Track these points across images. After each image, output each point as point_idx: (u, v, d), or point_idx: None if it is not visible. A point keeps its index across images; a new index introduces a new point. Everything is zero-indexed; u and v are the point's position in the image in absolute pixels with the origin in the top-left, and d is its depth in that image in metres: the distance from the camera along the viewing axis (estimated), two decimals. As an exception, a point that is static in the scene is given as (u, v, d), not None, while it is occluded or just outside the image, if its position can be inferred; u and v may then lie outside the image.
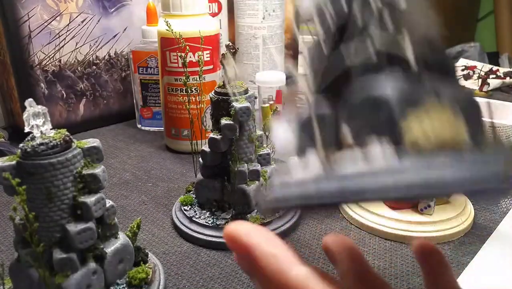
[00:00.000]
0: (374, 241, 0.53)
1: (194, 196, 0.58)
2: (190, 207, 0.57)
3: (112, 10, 0.89)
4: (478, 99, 0.20)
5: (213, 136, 0.52)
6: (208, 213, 0.55)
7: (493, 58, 1.53)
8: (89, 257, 0.40)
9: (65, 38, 0.84)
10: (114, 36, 0.91)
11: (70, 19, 0.84)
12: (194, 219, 0.54)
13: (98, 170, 0.39)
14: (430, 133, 0.17)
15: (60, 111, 0.86)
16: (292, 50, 1.12)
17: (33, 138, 0.37)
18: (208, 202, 0.56)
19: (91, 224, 0.39)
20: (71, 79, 0.87)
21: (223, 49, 0.53)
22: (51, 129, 0.38)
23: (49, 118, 0.38)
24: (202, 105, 0.73)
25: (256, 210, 0.54)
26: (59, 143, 0.37)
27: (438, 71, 0.20)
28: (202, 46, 0.71)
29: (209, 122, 0.56)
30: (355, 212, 0.56)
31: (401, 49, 0.20)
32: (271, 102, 0.77)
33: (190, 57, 0.71)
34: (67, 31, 0.84)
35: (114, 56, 0.92)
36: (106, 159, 0.39)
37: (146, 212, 0.60)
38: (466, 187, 0.16)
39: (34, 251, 0.36)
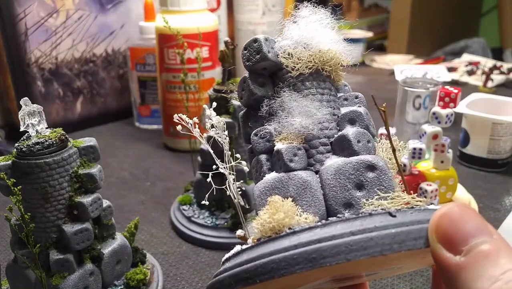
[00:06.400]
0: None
1: (193, 195, 0.57)
2: (189, 206, 0.56)
3: (109, 6, 0.88)
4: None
5: (212, 134, 0.51)
6: (207, 212, 0.54)
7: (497, 54, 1.53)
8: (86, 258, 0.39)
9: (61, 36, 0.83)
10: (111, 33, 0.90)
11: (66, 16, 0.83)
12: (193, 218, 0.53)
13: (95, 169, 0.38)
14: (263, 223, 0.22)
15: (57, 110, 0.86)
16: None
17: (28, 137, 0.37)
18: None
19: (87, 225, 0.38)
20: (68, 77, 0.86)
21: (222, 46, 0.53)
22: (46, 128, 0.38)
23: (44, 117, 0.37)
24: (201, 102, 0.72)
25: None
26: (54, 142, 0.36)
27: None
28: (200, 42, 0.71)
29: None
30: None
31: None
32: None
33: (189, 54, 0.70)
34: (64, 28, 0.83)
35: (111, 53, 0.91)
36: (104, 157, 0.39)
37: (144, 211, 0.60)
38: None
39: (31, 252, 0.36)
